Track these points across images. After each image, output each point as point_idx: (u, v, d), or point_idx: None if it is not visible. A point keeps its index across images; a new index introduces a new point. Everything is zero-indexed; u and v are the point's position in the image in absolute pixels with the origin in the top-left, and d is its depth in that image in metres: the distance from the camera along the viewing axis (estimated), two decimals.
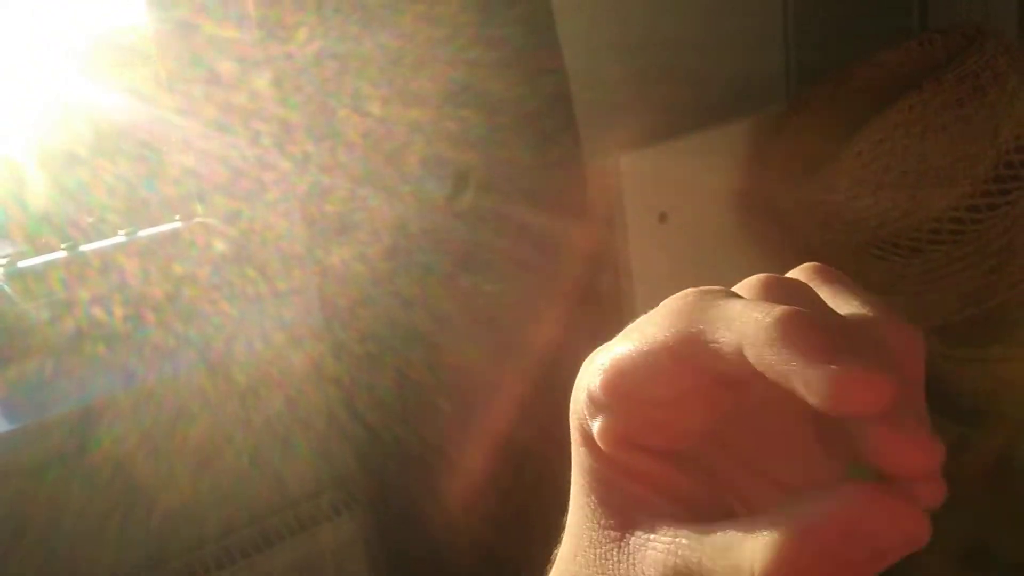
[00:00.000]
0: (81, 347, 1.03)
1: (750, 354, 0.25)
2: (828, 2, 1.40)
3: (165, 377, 0.96)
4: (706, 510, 0.29)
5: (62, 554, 0.97)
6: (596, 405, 0.29)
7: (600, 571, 0.29)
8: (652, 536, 0.28)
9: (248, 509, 1.08)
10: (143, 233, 1.11)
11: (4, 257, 1.05)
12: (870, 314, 0.28)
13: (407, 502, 0.99)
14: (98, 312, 1.04)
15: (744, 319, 0.25)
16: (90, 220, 1.09)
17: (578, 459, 0.31)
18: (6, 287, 1.03)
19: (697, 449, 0.31)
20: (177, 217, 1.13)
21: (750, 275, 0.29)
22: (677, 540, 0.27)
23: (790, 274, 0.31)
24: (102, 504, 0.98)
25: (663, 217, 1.11)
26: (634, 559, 0.28)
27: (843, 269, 1.13)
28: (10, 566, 0.94)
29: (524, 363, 0.94)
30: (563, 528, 0.33)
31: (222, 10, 0.94)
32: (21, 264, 1.06)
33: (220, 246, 1.06)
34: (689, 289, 0.28)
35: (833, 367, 0.23)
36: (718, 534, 0.25)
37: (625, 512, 0.29)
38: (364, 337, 0.90)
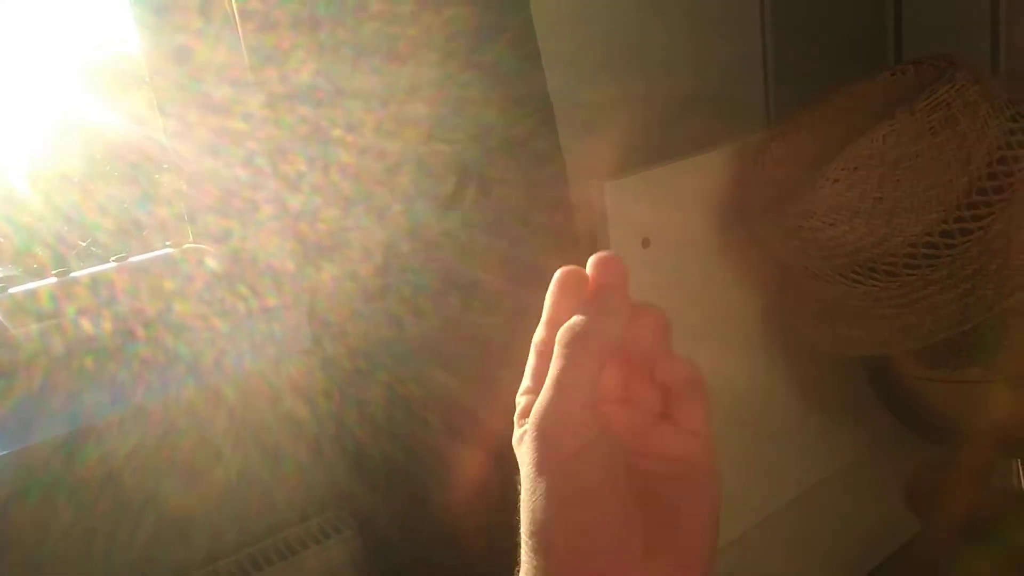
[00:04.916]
0: (71, 370, 1.04)
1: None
2: (806, 34, 1.44)
3: (155, 396, 0.96)
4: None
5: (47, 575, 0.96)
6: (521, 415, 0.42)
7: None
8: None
9: (236, 532, 1.07)
10: (135, 259, 1.12)
11: None
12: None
13: (396, 518, 0.99)
14: (89, 335, 1.05)
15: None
16: (83, 243, 1.09)
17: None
18: None
19: None
20: (168, 243, 1.14)
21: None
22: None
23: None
24: (88, 526, 0.98)
25: (646, 242, 1.13)
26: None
27: (822, 293, 1.14)
28: None
29: (512, 380, 0.95)
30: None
31: (215, 35, 0.96)
32: (12, 290, 1.06)
33: (211, 263, 1.07)
34: None
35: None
36: None
37: None
38: (354, 353, 0.91)
